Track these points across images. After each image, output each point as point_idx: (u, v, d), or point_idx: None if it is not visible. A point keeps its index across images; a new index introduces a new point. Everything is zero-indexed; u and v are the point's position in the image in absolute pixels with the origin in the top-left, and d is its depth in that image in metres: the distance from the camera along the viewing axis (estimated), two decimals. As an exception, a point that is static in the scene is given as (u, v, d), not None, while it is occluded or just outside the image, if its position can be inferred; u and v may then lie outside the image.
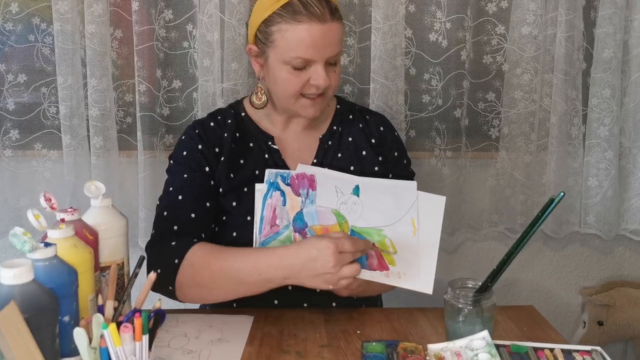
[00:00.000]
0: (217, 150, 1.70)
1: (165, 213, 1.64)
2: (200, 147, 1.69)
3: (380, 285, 1.55)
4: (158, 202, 1.68)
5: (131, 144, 2.28)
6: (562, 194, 1.33)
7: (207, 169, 1.68)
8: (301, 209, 1.59)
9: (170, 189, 1.67)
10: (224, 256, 1.50)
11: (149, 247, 1.61)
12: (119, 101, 2.25)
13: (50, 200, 1.33)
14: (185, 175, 1.67)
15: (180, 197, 1.64)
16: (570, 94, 2.28)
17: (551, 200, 1.34)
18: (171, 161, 1.72)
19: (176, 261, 1.51)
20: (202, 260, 1.51)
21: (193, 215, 1.63)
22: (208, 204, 1.66)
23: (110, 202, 1.49)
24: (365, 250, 1.46)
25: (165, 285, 1.53)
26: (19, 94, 2.23)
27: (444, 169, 2.31)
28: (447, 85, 2.27)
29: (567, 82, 2.26)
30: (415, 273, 1.53)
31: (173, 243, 1.55)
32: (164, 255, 1.54)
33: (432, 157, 2.32)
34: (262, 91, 1.72)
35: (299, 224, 1.58)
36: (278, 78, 1.61)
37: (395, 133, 1.85)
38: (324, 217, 1.58)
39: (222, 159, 1.69)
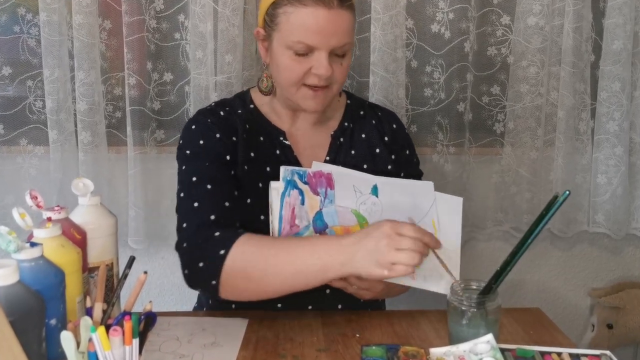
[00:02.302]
0: (234, 139, 1.67)
1: (196, 204, 1.56)
2: (218, 135, 1.65)
3: (400, 288, 1.56)
4: (181, 195, 1.61)
5: (120, 139, 2.28)
6: (567, 192, 1.32)
7: (228, 157, 1.64)
8: (320, 209, 1.58)
9: (194, 179, 1.60)
10: (278, 243, 1.47)
11: (183, 243, 1.54)
12: (107, 95, 2.25)
13: (37, 198, 1.33)
14: (207, 164, 1.62)
15: (209, 187, 1.58)
16: (578, 88, 2.28)
17: (555, 199, 1.34)
18: (187, 152, 1.66)
19: (222, 252, 1.44)
20: (254, 248, 1.46)
21: (227, 203, 1.57)
22: (236, 193, 1.62)
23: (98, 200, 1.49)
24: (430, 243, 1.42)
25: (207, 279, 1.46)
26: (3, 88, 2.23)
27: (447, 166, 2.32)
28: (450, 78, 2.27)
29: (575, 75, 2.26)
30: (441, 275, 1.53)
31: (217, 234, 1.49)
32: (207, 247, 1.48)
33: (434, 153, 2.32)
34: (268, 77, 1.71)
35: (319, 224, 1.57)
36: (280, 63, 1.60)
37: (406, 131, 1.86)
38: (344, 218, 1.57)
39: (239, 148, 1.67)
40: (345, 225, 1.58)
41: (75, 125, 2.19)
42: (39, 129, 2.25)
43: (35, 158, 2.27)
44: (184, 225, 1.56)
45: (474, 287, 1.43)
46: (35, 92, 2.23)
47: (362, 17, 2.24)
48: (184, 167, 1.65)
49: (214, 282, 1.45)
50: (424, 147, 2.33)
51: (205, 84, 2.17)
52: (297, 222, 1.57)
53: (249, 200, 1.64)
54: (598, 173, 2.37)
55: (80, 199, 1.48)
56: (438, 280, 1.52)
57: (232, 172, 1.64)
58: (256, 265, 1.43)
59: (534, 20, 2.23)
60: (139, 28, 2.17)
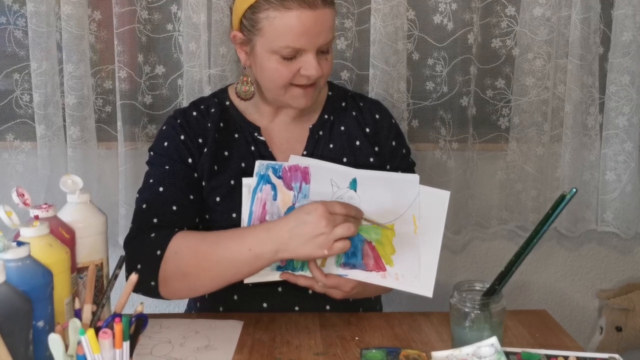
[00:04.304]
0: (200, 141, 1.71)
1: (144, 206, 1.65)
2: (182, 137, 1.71)
3: (376, 287, 1.57)
4: (137, 195, 1.70)
5: (111, 134, 2.28)
6: (574, 190, 1.32)
7: (189, 160, 1.70)
8: (293, 204, 1.59)
9: (151, 180, 1.69)
10: (210, 238, 1.54)
11: (127, 243, 1.63)
12: (97, 88, 2.25)
13: (23, 195, 1.33)
14: (167, 167, 1.69)
15: (161, 189, 1.66)
16: (586, 81, 2.28)
17: (562, 197, 1.34)
18: (151, 153, 1.74)
19: (158, 252, 1.53)
20: (187, 245, 1.54)
21: (174, 207, 1.65)
22: (191, 197, 1.68)
23: (88, 198, 1.49)
24: (357, 217, 1.49)
25: (146, 281, 1.54)
26: (-11, 81, 2.23)
27: (450, 162, 2.32)
28: (453, 72, 2.27)
29: (583, 67, 2.26)
30: (415, 275, 1.53)
31: (152, 235, 1.57)
32: (144, 249, 1.56)
33: (436, 149, 2.32)
34: (249, 81, 1.72)
35: None
36: (266, 68, 1.62)
37: (393, 120, 1.85)
38: None
39: (205, 150, 1.70)
40: None
41: (64, 120, 2.19)
42: (26, 123, 2.25)
43: (22, 154, 2.27)
44: (131, 225, 1.67)
45: (478, 288, 1.43)
46: (22, 86, 2.23)
47: (361, 8, 2.24)
48: (147, 169, 1.74)
49: (152, 283, 1.55)
50: (426, 142, 2.33)
51: (198, 77, 2.17)
52: (267, 218, 1.59)
53: (217, 199, 1.69)
54: (607, 170, 2.37)
55: (69, 196, 1.48)
56: (412, 280, 1.53)
57: (195, 175, 1.71)
58: (189, 262, 1.53)
59: (540, 11, 2.23)
60: (130, 19, 2.16)
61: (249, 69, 1.71)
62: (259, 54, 1.61)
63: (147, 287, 1.55)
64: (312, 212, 1.42)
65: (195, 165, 1.70)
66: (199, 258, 1.52)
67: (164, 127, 1.75)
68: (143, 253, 1.55)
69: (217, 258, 1.51)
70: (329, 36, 1.59)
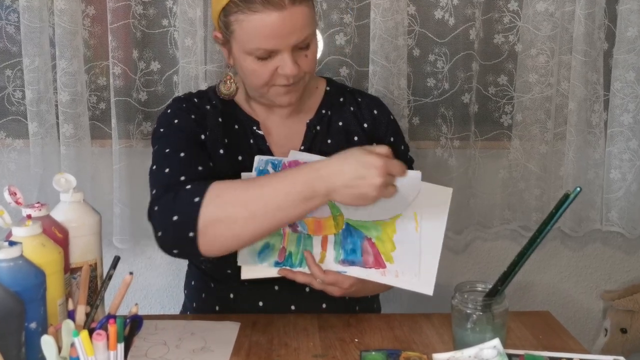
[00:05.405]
0: (207, 123, 1.71)
1: (167, 170, 1.57)
2: (193, 117, 1.69)
3: (375, 285, 1.56)
4: (152, 168, 1.61)
5: (105, 132, 2.28)
6: (578, 189, 1.32)
7: (202, 137, 1.68)
8: None
9: (167, 150, 1.61)
10: (254, 182, 1.48)
11: (153, 207, 1.51)
12: (91, 85, 2.25)
13: (16, 194, 1.33)
14: (183, 135, 1.64)
15: (182, 154, 1.59)
16: (590, 78, 2.28)
17: (566, 196, 1.34)
18: (161, 129, 1.68)
19: (196, 200, 1.43)
20: (229, 189, 1.46)
21: (200, 168, 1.59)
22: (211, 164, 1.64)
23: (81, 197, 1.49)
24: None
25: (184, 232, 1.43)
26: (-20, 77, 2.23)
27: (451, 160, 2.32)
28: (455, 68, 2.27)
29: (587, 64, 2.26)
30: (415, 272, 1.53)
31: (188, 187, 1.48)
32: (179, 200, 1.46)
33: (437, 147, 2.32)
34: (232, 80, 1.73)
35: None
36: (244, 69, 1.62)
37: (391, 117, 1.84)
38: (317, 209, 1.58)
39: (204, 137, 1.69)
40: (317, 216, 1.58)
41: (57, 117, 2.18)
42: (19, 121, 2.25)
43: (15, 152, 2.26)
44: (154, 191, 1.56)
45: (480, 289, 1.43)
46: (15, 82, 2.23)
47: (360, 3, 2.24)
48: (156, 146, 1.66)
49: (191, 235, 1.42)
50: (427, 140, 2.33)
51: (194, 73, 2.16)
52: None
53: None
54: (611, 168, 2.37)
55: (62, 195, 1.48)
56: (412, 277, 1.53)
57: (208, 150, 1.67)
58: (233, 205, 1.43)
59: (544, 6, 2.23)
60: (124, 14, 2.16)
61: (232, 68, 1.71)
62: (236, 55, 1.62)
63: (185, 241, 1.43)
64: (371, 169, 1.37)
65: (206, 143, 1.68)
66: (243, 201, 1.43)
67: (169, 111, 1.71)
68: (178, 204, 1.45)
69: (264, 201, 1.42)
70: (302, 34, 1.56)
